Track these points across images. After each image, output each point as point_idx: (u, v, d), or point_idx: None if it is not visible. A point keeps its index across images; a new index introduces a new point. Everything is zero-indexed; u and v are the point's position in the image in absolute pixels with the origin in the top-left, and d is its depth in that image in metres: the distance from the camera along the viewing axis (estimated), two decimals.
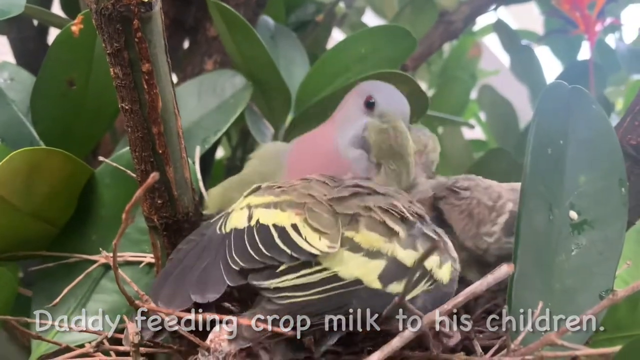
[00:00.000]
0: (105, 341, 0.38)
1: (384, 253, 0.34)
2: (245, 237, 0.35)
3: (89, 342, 0.39)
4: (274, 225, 0.35)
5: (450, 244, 0.38)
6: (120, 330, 0.42)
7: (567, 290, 0.37)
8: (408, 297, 0.31)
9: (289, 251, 0.33)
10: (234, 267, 0.33)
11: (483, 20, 1.15)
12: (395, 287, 0.33)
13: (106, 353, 0.37)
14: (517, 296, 0.36)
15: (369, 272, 0.33)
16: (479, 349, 0.36)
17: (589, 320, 0.33)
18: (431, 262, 0.35)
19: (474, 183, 0.44)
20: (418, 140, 0.46)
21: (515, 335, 0.35)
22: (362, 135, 0.44)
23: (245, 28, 0.56)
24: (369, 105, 0.45)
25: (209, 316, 0.30)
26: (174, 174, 0.40)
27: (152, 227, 0.42)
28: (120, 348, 0.37)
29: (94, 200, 0.49)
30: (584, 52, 1.05)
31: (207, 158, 0.71)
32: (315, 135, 0.48)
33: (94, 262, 0.48)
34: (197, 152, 0.54)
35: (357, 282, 0.33)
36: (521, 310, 0.35)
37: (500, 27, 1.01)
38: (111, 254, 0.31)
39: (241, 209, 0.38)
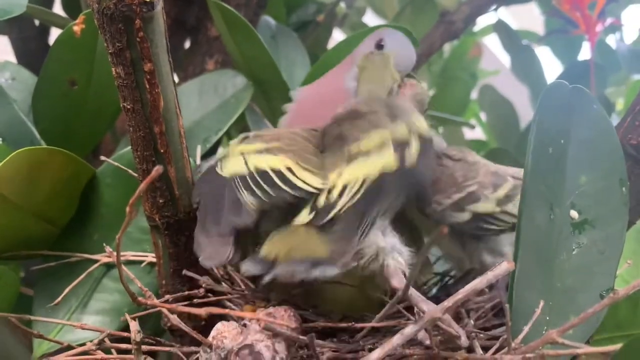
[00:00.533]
0: (106, 339, 0.38)
1: (386, 142, 0.38)
2: (249, 181, 0.38)
3: (91, 341, 0.39)
4: (272, 170, 0.38)
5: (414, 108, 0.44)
6: (122, 328, 0.42)
7: (568, 289, 0.37)
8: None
9: (291, 191, 0.36)
10: (250, 204, 0.36)
11: (483, 21, 1.15)
12: (408, 157, 0.38)
13: (107, 351, 0.37)
14: (518, 295, 0.36)
15: (386, 161, 0.37)
16: (478, 349, 0.36)
17: (590, 319, 0.34)
18: (415, 123, 0.40)
19: (461, 155, 0.46)
20: (409, 80, 0.49)
21: (517, 334, 0.35)
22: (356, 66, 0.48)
23: (246, 28, 0.56)
24: (379, 47, 0.49)
25: (215, 311, 0.30)
26: (175, 173, 0.40)
27: (153, 227, 0.42)
28: (122, 346, 0.37)
29: (95, 199, 0.49)
30: (585, 53, 1.05)
31: (209, 158, 0.71)
32: (327, 75, 0.52)
33: (96, 261, 0.48)
34: (198, 152, 0.54)
35: (382, 174, 0.37)
36: (522, 309, 0.35)
37: (500, 27, 1.01)
38: (114, 250, 0.31)
39: (234, 156, 0.40)
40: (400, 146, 0.38)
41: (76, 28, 0.46)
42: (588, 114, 0.39)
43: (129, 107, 0.37)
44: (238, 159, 0.40)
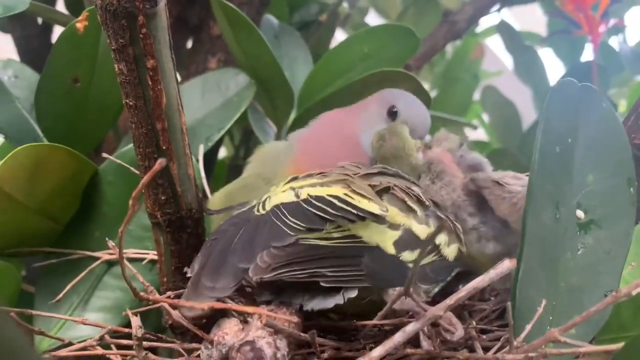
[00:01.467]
0: (107, 336, 0.38)
1: (401, 225, 0.37)
2: (303, 204, 0.37)
3: (92, 339, 0.39)
4: (329, 195, 0.37)
5: (460, 227, 0.41)
6: (123, 325, 0.42)
7: (573, 288, 0.37)
8: (411, 264, 0.35)
9: (354, 211, 0.36)
10: (296, 226, 0.35)
11: (486, 22, 1.15)
12: (408, 256, 0.36)
13: (108, 347, 0.37)
14: (522, 293, 0.36)
15: (386, 239, 0.36)
16: (479, 347, 0.36)
17: (593, 319, 0.33)
18: (441, 239, 0.39)
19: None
20: (448, 139, 0.47)
21: (519, 333, 0.34)
22: (371, 143, 0.47)
23: (248, 27, 0.56)
24: (392, 114, 0.48)
25: (219, 306, 0.30)
26: (177, 170, 0.40)
27: (155, 224, 0.42)
28: (123, 342, 0.37)
29: (97, 197, 0.49)
30: (587, 54, 1.05)
31: (210, 157, 0.71)
32: (337, 119, 0.49)
33: (97, 258, 0.48)
34: (201, 150, 0.54)
35: (376, 247, 0.36)
36: (525, 308, 0.35)
37: (503, 28, 1.01)
38: (116, 245, 0.31)
39: (283, 191, 0.39)
40: (409, 240, 0.37)
41: (79, 25, 0.46)
42: (596, 112, 0.39)
43: (131, 103, 0.37)
44: (288, 193, 0.39)
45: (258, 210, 0.38)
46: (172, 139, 0.39)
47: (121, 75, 0.36)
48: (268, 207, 0.38)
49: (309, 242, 0.35)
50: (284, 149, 0.49)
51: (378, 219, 0.37)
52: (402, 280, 0.33)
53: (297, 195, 0.38)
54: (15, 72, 0.61)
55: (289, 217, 0.36)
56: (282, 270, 0.33)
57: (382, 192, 0.39)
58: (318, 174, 0.41)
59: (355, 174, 0.40)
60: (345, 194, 0.37)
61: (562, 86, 0.39)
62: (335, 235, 0.36)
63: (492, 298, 0.43)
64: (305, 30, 0.81)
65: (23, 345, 0.15)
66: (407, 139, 0.46)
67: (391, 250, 0.36)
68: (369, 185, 0.39)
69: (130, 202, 0.27)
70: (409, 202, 0.39)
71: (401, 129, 0.46)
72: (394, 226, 0.37)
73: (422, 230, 0.38)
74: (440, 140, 0.47)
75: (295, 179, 0.42)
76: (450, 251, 0.39)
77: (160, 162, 0.27)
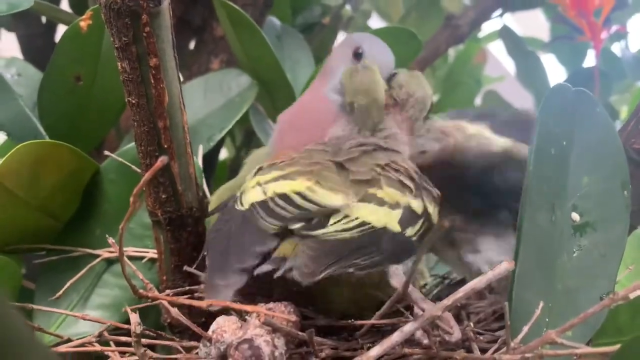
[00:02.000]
0: (106, 333, 0.38)
1: (401, 204, 0.39)
2: (270, 203, 0.38)
3: (91, 335, 0.39)
4: (292, 192, 0.38)
5: (437, 192, 0.42)
6: (122, 322, 0.42)
7: (569, 291, 0.37)
8: (415, 238, 0.38)
9: (314, 207, 0.37)
10: (271, 227, 0.37)
11: (489, 27, 1.15)
12: (410, 231, 0.38)
13: (107, 344, 0.37)
14: (518, 295, 0.36)
15: (392, 219, 0.38)
16: (476, 348, 0.36)
17: (589, 321, 0.34)
18: (431, 208, 0.41)
19: None
20: (400, 85, 0.48)
21: (516, 335, 0.35)
22: (340, 81, 0.47)
23: (250, 27, 0.56)
24: (357, 55, 0.48)
25: (215, 303, 0.30)
26: (178, 169, 0.40)
27: (155, 222, 0.42)
28: (122, 339, 0.37)
29: (98, 195, 0.49)
30: (590, 60, 1.05)
31: (212, 157, 0.71)
32: (306, 93, 0.51)
33: (97, 256, 0.48)
34: (200, 150, 0.55)
35: (384, 228, 0.37)
36: (522, 310, 0.35)
37: (505, 33, 1.01)
38: (114, 242, 0.31)
39: (252, 187, 0.40)
40: (410, 217, 0.39)
41: (83, 24, 0.46)
42: (591, 116, 0.39)
43: (133, 101, 0.37)
44: (256, 190, 0.40)
45: (239, 206, 0.40)
46: (174, 138, 0.39)
47: (124, 74, 0.36)
48: (245, 204, 0.39)
49: (334, 237, 0.36)
50: (268, 147, 0.50)
51: (375, 200, 0.38)
52: (410, 252, 0.38)
53: (264, 192, 0.39)
54: (19, 70, 0.61)
55: (266, 217, 0.37)
56: (327, 271, 0.34)
57: (375, 176, 0.40)
58: (281, 162, 0.42)
59: (329, 161, 0.41)
60: (308, 188, 0.38)
61: (557, 90, 0.39)
62: (350, 225, 0.37)
63: (487, 294, 0.43)
64: (308, 33, 0.81)
65: (25, 333, 0.15)
66: (377, 74, 0.46)
67: (397, 228, 0.38)
68: (354, 170, 0.40)
69: (131, 199, 0.27)
70: (404, 180, 0.40)
71: (373, 66, 0.47)
72: (394, 206, 0.39)
73: (418, 206, 0.40)
74: (403, 89, 0.47)
75: (260, 169, 0.42)
76: (435, 217, 0.41)
77: (162, 160, 0.27)
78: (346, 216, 0.37)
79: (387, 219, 0.38)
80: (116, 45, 0.35)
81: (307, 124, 0.48)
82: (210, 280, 0.35)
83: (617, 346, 0.30)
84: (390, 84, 0.48)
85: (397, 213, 0.38)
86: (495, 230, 0.43)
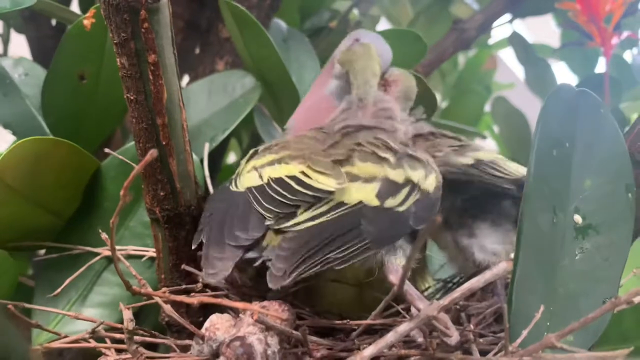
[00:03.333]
0: (102, 330, 0.38)
1: (377, 176, 0.38)
2: (268, 190, 0.38)
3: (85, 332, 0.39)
4: (287, 176, 0.38)
5: (432, 160, 0.41)
6: (120, 321, 0.42)
7: (571, 295, 0.37)
8: (402, 209, 0.36)
9: (310, 192, 0.37)
10: (268, 214, 0.36)
11: (499, 34, 1.14)
12: (391, 202, 0.37)
13: (101, 341, 0.37)
14: (518, 298, 0.35)
15: (367, 193, 0.37)
16: (475, 350, 0.35)
17: (591, 327, 0.33)
18: (417, 175, 0.39)
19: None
20: (391, 74, 0.50)
21: (516, 339, 0.34)
22: (337, 61, 0.49)
23: (256, 27, 0.56)
24: None
25: (207, 300, 0.30)
26: (177, 167, 0.40)
27: (153, 220, 0.42)
28: (116, 336, 0.37)
29: (99, 193, 0.49)
30: (600, 67, 1.04)
31: (216, 159, 0.71)
32: (309, 94, 0.53)
33: (98, 254, 0.48)
34: (206, 149, 0.54)
35: (359, 203, 0.36)
36: (522, 313, 0.35)
37: (515, 40, 1.00)
38: (107, 236, 0.31)
39: (248, 172, 0.41)
40: (389, 188, 0.38)
41: (86, 22, 0.47)
42: (594, 117, 0.39)
43: (132, 98, 0.37)
44: (252, 174, 0.40)
45: (234, 187, 0.40)
46: (173, 135, 0.39)
47: (123, 70, 0.36)
48: (240, 187, 0.40)
49: (304, 225, 0.35)
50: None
51: (348, 177, 0.37)
52: (399, 227, 0.35)
53: (260, 177, 0.39)
54: (26, 70, 0.61)
55: (262, 202, 0.37)
56: (297, 272, 0.33)
57: (350, 153, 0.40)
58: (275, 145, 0.42)
59: (318, 146, 0.41)
60: (302, 172, 0.38)
61: (559, 90, 0.39)
62: (324, 209, 0.36)
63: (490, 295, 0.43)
64: (315, 37, 0.81)
65: (17, 343, 0.15)
66: (374, 54, 0.47)
67: (375, 202, 0.36)
68: (333, 152, 0.40)
69: (122, 192, 0.27)
70: (380, 153, 0.39)
71: (369, 46, 0.48)
72: (369, 179, 0.38)
73: (398, 175, 0.38)
74: (397, 82, 0.49)
75: (255, 153, 0.43)
76: (429, 183, 0.39)
77: (152, 153, 0.27)
78: (318, 199, 0.36)
79: (360, 194, 0.37)
80: (115, 41, 0.36)
81: (312, 124, 0.48)
82: (207, 254, 0.35)
83: (619, 352, 0.29)
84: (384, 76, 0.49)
85: (374, 186, 0.37)
86: (493, 216, 0.42)
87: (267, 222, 0.36)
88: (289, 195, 0.37)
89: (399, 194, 0.37)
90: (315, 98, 0.51)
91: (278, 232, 0.36)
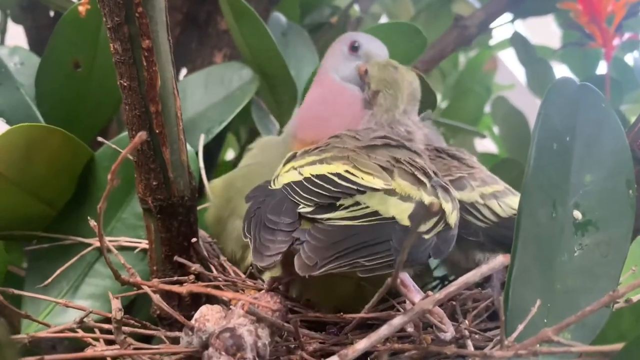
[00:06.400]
0: (91, 321, 0.37)
1: (413, 198, 0.38)
2: (307, 183, 0.38)
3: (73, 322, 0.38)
4: (330, 173, 0.38)
5: (456, 194, 0.42)
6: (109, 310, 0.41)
7: (569, 291, 0.36)
8: (427, 236, 0.37)
9: (354, 187, 0.37)
10: (306, 203, 0.37)
11: (500, 34, 1.14)
12: (421, 227, 0.37)
13: (90, 331, 0.36)
14: (515, 293, 0.35)
15: (401, 211, 0.37)
16: (470, 345, 0.34)
17: (589, 322, 0.32)
18: (447, 207, 0.39)
19: (460, 155, 0.49)
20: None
21: (512, 333, 0.33)
22: (356, 74, 0.50)
23: (254, 19, 0.56)
24: (354, 48, 0.51)
25: (195, 289, 0.29)
26: (170, 156, 0.39)
27: (146, 210, 0.41)
28: (106, 326, 0.36)
29: (92, 183, 0.49)
30: (601, 69, 1.04)
31: (213, 153, 0.70)
32: (314, 87, 0.53)
33: (90, 245, 0.48)
34: (201, 140, 0.54)
35: (392, 219, 0.36)
36: (519, 308, 0.34)
37: (517, 41, 1.00)
38: (95, 224, 0.30)
39: (287, 171, 0.41)
40: (421, 212, 0.38)
41: (81, 8, 0.46)
42: (595, 112, 0.38)
43: (125, 84, 0.36)
44: (291, 173, 0.40)
45: (272, 186, 0.41)
46: (166, 123, 0.38)
47: (116, 55, 0.36)
48: (278, 185, 0.40)
49: (336, 223, 0.35)
50: (283, 135, 0.51)
51: (385, 191, 0.37)
52: (421, 254, 0.36)
53: (300, 174, 0.39)
54: (22, 59, 0.61)
55: (300, 193, 0.37)
56: (328, 267, 0.34)
57: (390, 166, 0.40)
58: (315, 149, 0.42)
59: (357, 147, 0.41)
60: (347, 171, 0.38)
61: (560, 84, 0.38)
62: (358, 213, 0.36)
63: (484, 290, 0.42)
64: (316, 32, 0.81)
65: None
66: (404, 72, 0.48)
67: (406, 222, 0.36)
68: (373, 159, 0.40)
69: (109, 176, 0.26)
70: (419, 175, 0.40)
71: (398, 64, 0.48)
72: (405, 198, 0.38)
73: (432, 202, 0.39)
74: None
75: (294, 157, 0.43)
76: (453, 218, 0.39)
77: (141, 136, 0.26)
78: (356, 203, 0.36)
79: (395, 210, 0.37)
80: (108, 26, 0.35)
81: (328, 114, 0.49)
82: (257, 241, 0.35)
83: (617, 345, 0.29)
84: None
85: (408, 206, 0.37)
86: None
87: (302, 209, 0.36)
88: (331, 188, 0.37)
89: (429, 221, 0.37)
90: (332, 89, 0.51)
91: (313, 220, 0.36)
